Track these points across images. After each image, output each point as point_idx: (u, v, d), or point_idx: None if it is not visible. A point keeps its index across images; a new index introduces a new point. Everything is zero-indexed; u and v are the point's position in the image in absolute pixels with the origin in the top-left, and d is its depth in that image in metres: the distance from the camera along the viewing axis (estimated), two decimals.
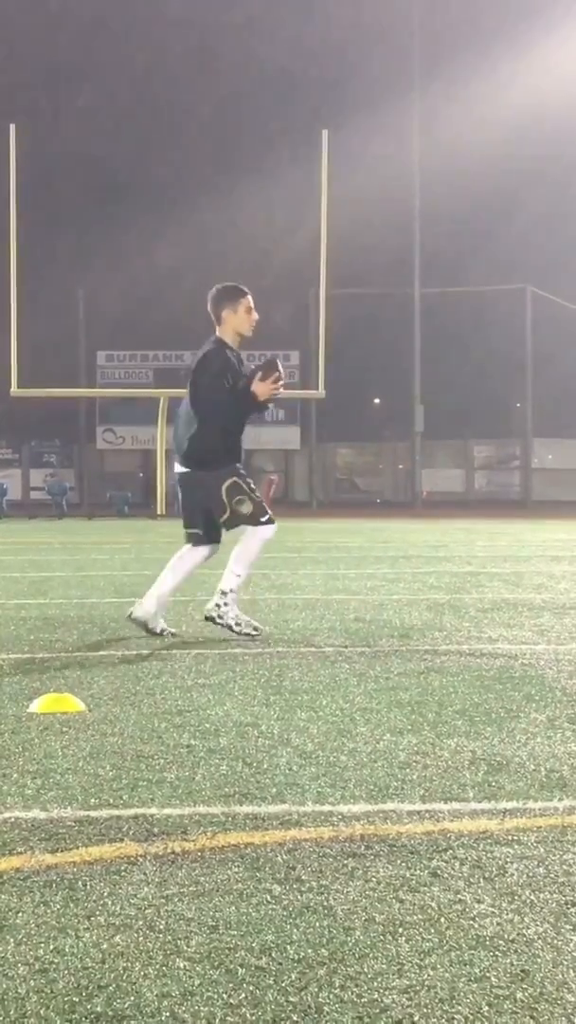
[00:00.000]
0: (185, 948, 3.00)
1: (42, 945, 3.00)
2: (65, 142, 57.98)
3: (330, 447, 63.97)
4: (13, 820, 4.01)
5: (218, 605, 8.70)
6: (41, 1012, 2.66)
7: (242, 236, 58.36)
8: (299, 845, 3.78)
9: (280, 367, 8.80)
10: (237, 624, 8.65)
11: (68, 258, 57.92)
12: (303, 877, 3.50)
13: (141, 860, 3.63)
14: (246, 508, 8.65)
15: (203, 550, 8.98)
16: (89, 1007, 2.68)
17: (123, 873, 3.52)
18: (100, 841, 3.80)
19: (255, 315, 8.94)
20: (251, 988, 2.78)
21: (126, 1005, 2.69)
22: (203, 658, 7.72)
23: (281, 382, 8.74)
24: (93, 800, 4.25)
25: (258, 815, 4.09)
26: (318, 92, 55.19)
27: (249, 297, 8.97)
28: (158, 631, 8.71)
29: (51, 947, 2.99)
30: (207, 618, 8.75)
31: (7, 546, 23.23)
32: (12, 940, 3.03)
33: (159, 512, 44.21)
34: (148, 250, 58.99)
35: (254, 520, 8.70)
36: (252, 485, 8.80)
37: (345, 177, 41.25)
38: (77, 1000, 2.71)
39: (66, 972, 2.85)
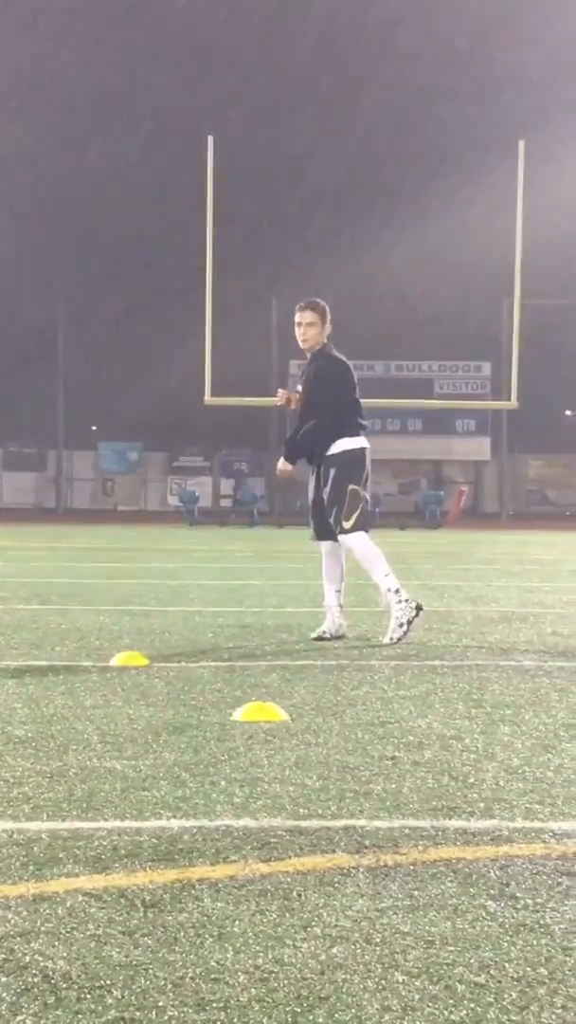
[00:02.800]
0: (403, 962, 2.98)
1: (261, 954, 3.02)
2: (259, 155, 58.56)
3: (521, 458, 63.21)
4: (224, 828, 4.05)
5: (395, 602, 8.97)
6: (264, 1021, 2.67)
7: (434, 246, 58.13)
8: (512, 862, 3.74)
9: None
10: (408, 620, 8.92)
11: (262, 268, 58.49)
12: (518, 894, 3.46)
13: (354, 872, 3.63)
14: (355, 516, 9.17)
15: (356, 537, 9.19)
16: (311, 1018, 2.68)
17: (336, 884, 3.52)
18: (312, 851, 3.82)
19: (298, 332, 9.39)
20: (472, 1005, 2.75)
21: (348, 1018, 2.68)
22: (402, 669, 7.70)
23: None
24: (302, 810, 4.27)
25: (468, 830, 4.06)
26: (516, 101, 54.69)
27: (297, 314, 9.41)
28: (412, 604, 8.99)
29: (270, 956, 3.01)
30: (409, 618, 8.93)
31: (201, 554, 23.53)
32: (231, 948, 3.05)
33: None
34: (338, 259, 59.21)
35: (353, 528, 9.18)
36: (366, 498, 9.27)
37: (543, 186, 40.79)
38: (299, 1011, 2.71)
39: (286, 982, 2.86)
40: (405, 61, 58.58)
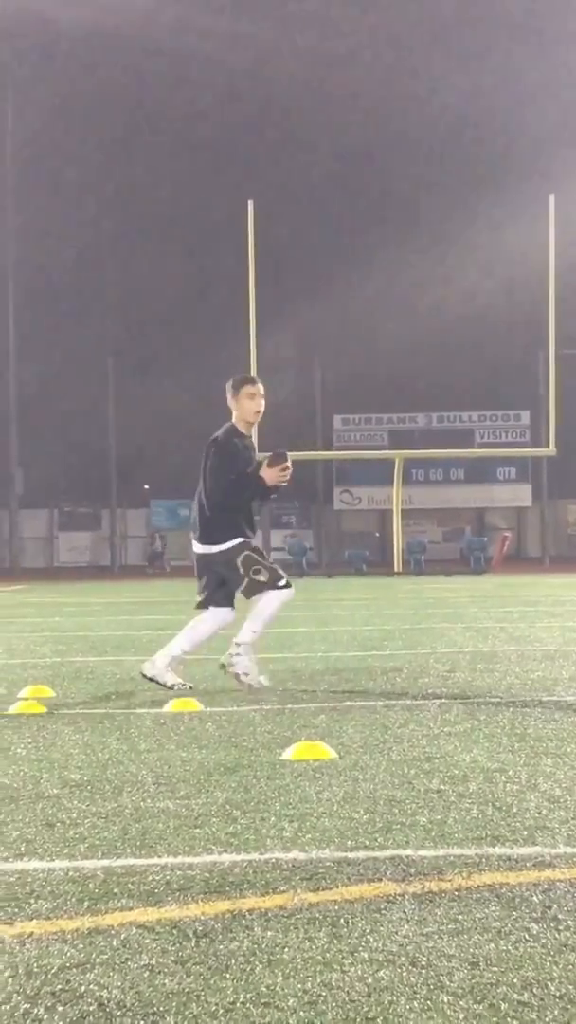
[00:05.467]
0: (448, 983, 3.06)
1: (310, 979, 3.10)
2: (297, 213, 59.07)
3: (561, 503, 63.24)
4: (274, 861, 4.14)
5: (231, 655, 8.96)
6: None
7: (470, 298, 58.41)
8: (553, 885, 3.81)
9: (288, 459, 9.08)
10: (246, 675, 8.88)
11: (304, 325, 58.89)
12: (559, 916, 3.53)
13: (399, 899, 3.71)
14: (263, 576, 8.95)
15: (222, 612, 9.18)
16: None
17: (383, 911, 3.60)
18: (359, 881, 3.90)
19: (258, 403, 9.29)
20: (515, 1023, 2.83)
21: None
22: (447, 707, 7.78)
23: (288, 472, 9.06)
24: (349, 842, 4.36)
25: (511, 856, 4.13)
26: (547, 154, 54.93)
27: (251, 386, 9.36)
28: (168, 685, 8.92)
29: (318, 980, 3.09)
30: (221, 666, 9.04)
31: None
32: (281, 974, 3.14)
33: (397, 570, 44.35)
34: (379, 317, 59.54)
35: (272, 585, 8.95)
36: (263, 555, 9.16)
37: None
38: None
39: (334, 1004, 2.94)
40: (439, 115, 59.00)
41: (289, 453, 9.30)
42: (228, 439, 9.18)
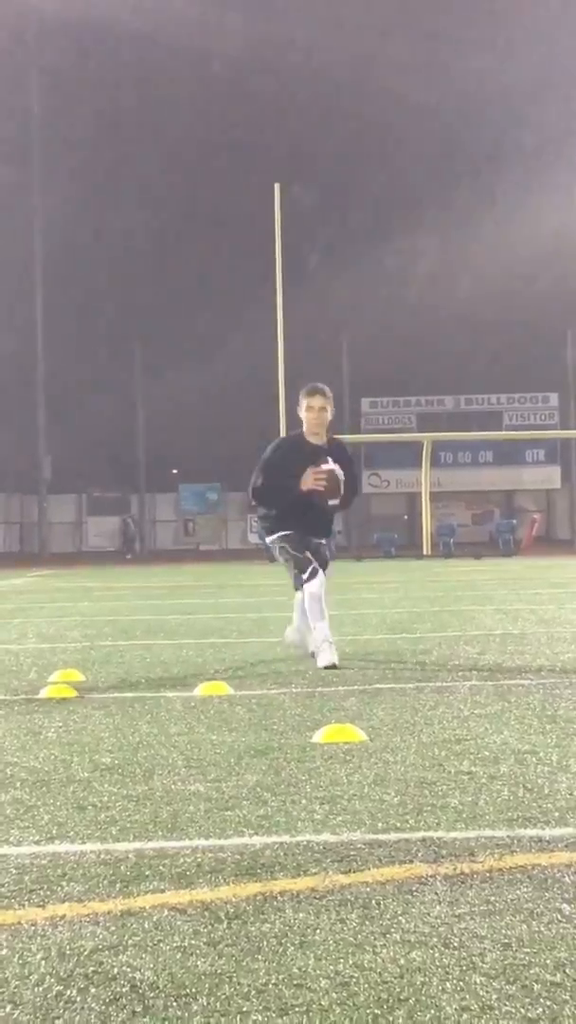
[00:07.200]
0: (480, 964, 3.05)
1: (342, 960, 3.10)
2: (326, 194, 58.94)
3: None
4: (305, 843, 4.14)
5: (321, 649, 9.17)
6: (345, 1023, 2.75)
7: (498, 280, 58.18)
8: None
9: (332, 470, 9.31)
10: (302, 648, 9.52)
11: (331, 308, 58.77)
12: None
13: (431, 880, 3.70)
14: (291, 568, 9.43)
15: (309, 584, 9.31)
16: (391, 1019, 2.75)
17: (415, 893, 3.60)
18: (390, 863, 3.89)
19: (315, 415, 9.56)
20: (548, 1003, 2.82)
21: (427, 1018, 2.75)
22: (477, 689, 7.77)
23: (322, 483, 9.27)
24: (380, 824, 4.35)
25: (543, 838, 4.12)
26: None
27: (307, 398, 9.60)
28: (327, 664, 9.07)
29: (350, 962, 3.08)
30: (327, 667, 9.05)
31: (280, 588, 23.61)
32: (313, 955, 3.13)
33: (426, 552, 44.31)
34: (406, 298, 59.39)
35: (298, 577, 9.37)
36: (299, 545, 9.40)
37: None
38: (379, 1012, 2.79)
39: (367, 986, 2.94)
40: (470, 88, 58.64)
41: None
42: (274, 446, 9.65)
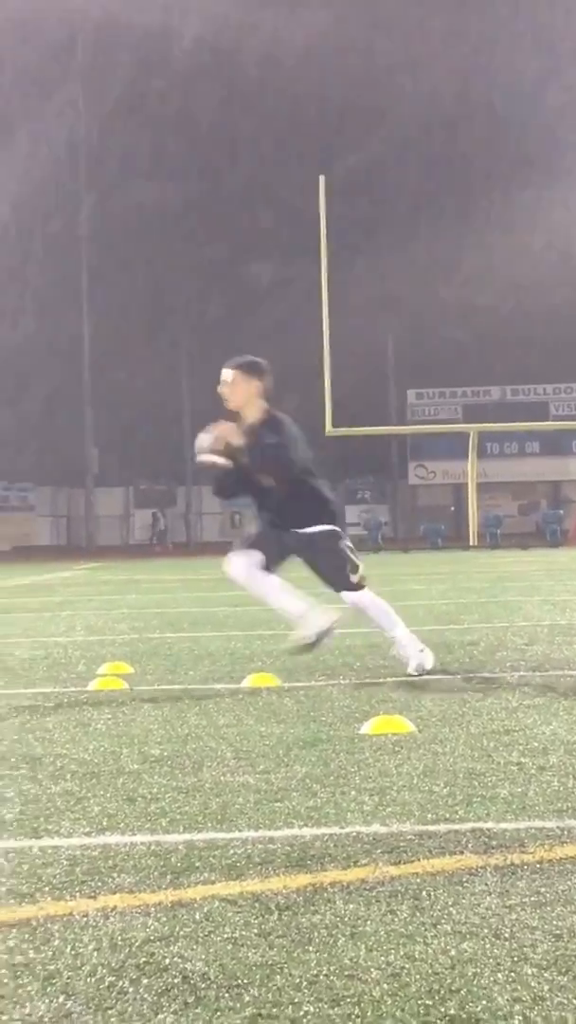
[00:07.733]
0: (532, 955, 3.04)
1: (392, 951, 3.10)
2: (369, 186, 58.81)
3: None
4: (355, 834, 4.14)
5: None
6: (397, 1014, 2.74)
7: (544, 269, 57.86)
8: None
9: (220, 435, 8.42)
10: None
11: (377, 300, 58.66)
12: None
13: (482, 871, 3.70)
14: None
15: (352, 596, 8.72)
16: (443, 1010, 2.75)
17: (465, 884, 3.59)
18: (440, 854, 3.89)
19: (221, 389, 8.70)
20: None
21: (479, 1008, 2.75)
22: (526, 680, 7.75)
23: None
24: (430, 815, 4.35)
25: None
26: None
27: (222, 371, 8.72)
28: (420, 671, 8.19)
29: (401, 953, 3.08)
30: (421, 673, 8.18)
31: None
32: (364, 946, 3.13)
33: (472, 543, 44.22)
34: (452, 290, 59.17)
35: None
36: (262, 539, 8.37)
37: None
38: (431, 1003, 2.78)
39: (418, 977, 2.93)
40: (512, 80, 58.38)
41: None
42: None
